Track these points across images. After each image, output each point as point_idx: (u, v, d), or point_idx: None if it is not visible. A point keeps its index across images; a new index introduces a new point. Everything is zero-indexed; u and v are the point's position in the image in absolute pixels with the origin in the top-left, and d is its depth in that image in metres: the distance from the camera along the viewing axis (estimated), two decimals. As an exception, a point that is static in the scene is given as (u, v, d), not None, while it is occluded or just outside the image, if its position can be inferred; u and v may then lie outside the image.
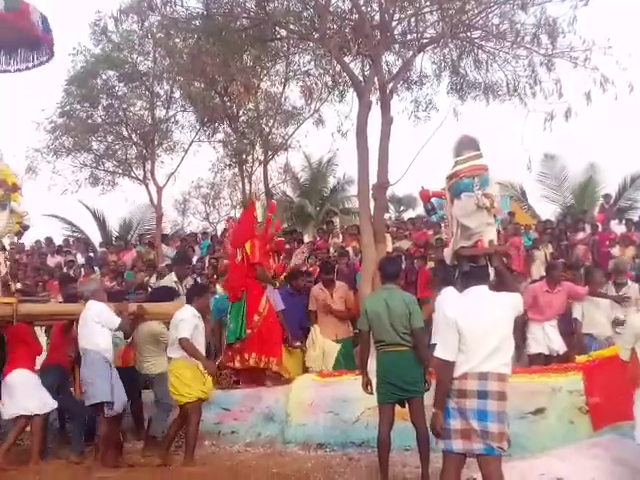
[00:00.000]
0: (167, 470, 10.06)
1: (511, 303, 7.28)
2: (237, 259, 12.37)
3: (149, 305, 11.46)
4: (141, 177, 23.58)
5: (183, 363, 10.27)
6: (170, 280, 14.02)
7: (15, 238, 17.85)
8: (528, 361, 12.92)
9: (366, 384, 9.26)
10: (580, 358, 10.71)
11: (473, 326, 6.91)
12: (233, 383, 12.47)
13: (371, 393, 9.24)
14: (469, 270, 7.98)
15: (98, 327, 10.37)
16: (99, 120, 23.17)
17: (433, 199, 11.30)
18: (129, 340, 11.55)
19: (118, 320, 10.47)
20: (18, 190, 11.73)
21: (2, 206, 11.47)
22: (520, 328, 12.64)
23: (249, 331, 11.94)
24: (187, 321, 10.25)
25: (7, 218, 11.54)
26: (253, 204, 12.98)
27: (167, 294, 12.02)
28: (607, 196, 25.78)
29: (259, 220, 12.63)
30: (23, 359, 10.76)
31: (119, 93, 22.95)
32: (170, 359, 10.48)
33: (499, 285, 8.30)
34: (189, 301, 10.66)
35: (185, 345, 10.14)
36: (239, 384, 12.51)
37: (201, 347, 10.47)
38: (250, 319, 12.00)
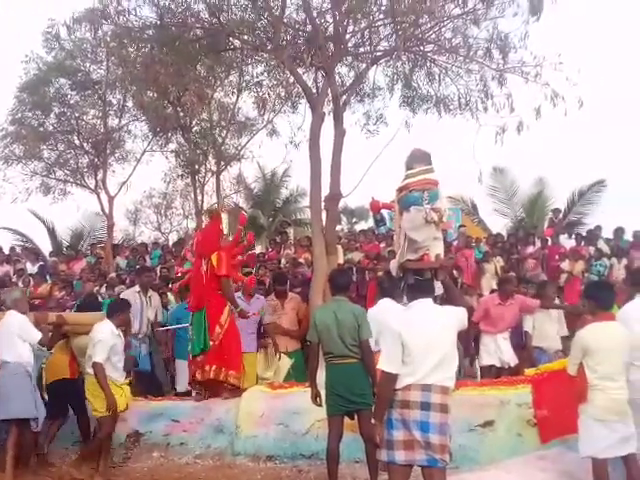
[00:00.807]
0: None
1: (455, 317, 7.34)
2: (202, 269, 12.25)
3: (69, 315, 11.46)
4: (92, 186, 23.43)
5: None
6: (134, 291, 13.95)
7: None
8: (480, 373, 13.02)
9: (315, 396, 9.30)
10: (529, 371, 10.81)
11: (417, 339, 6.96)
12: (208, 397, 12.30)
13: (320, 405, 9.27)
14: (414, 283, 8.02)
15: (20, 340, 10.27)
16: (51, 128, 22.98)
17: (383, 210, 11.33)
18: (52, 351, 11.41)
19: (39, 336, 10.35)
20: None
21: None
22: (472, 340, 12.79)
23: (211, 343, 11.83)
24: (104, 343, 10.30)
25: None
26: (219, 215, 12.85)
27: (95, 305, 11.98)
28: (556, 210, 26.10)
29: (224, 232, 12.59)
30: None
31: (71, 101, 22.80)
32: (87, 373, 10.53)
33: (447, 299, 8.37)
34: (110, 316, 10.68)
35: (97, 371, 10.23)
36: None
37: (118, 366, 10.60)
38: (212, 331, 11.87)
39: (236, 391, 11.76)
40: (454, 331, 7.24)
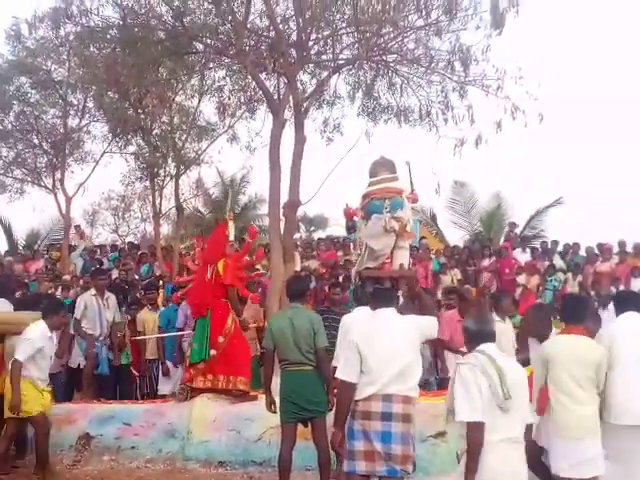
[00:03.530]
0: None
1: (418, 326, 7.31)
2: (207, 276, 12.09)
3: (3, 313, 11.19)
4: (50, 186, 23.24)
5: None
6: (90, 294, 13.76)
7: None
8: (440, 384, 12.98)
9: (270, 403, 9.27)
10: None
11: (376, 348, 6.94)
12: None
13: (275, 412, 9.25)
14: (373, 292, 8.02)
15: None
16: (10, 127, 22.78)
17: (355, 218, 11.35)
18: None
19: None
20: None
21: None
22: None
23: (213, 352, 11.63)
24: (31, 342, 10.11)
25: None
26: (226, 223, 12.74)
27: (36, 303, 11.66)
28: (512, 224, 26.27)
29: (230, 239, 12.47)
30: None
31: (31, 100, 22.61)
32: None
33: (419, 308, 8.34)
34: (44, 317, 10.48)
35: (13, 368, 10.04)
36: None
37: (44, 369, 10.43)
38: (214, 340, 11.67)
39: (244, 397, 11.57)
40: (416, 341, 7.23)
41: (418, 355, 7.26)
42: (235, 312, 11.98)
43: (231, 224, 12.67)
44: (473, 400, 6.06)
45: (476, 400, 6.05)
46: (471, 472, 6.03)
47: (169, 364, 14.17)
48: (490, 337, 6.44)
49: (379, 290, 7.99)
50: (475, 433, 6.03)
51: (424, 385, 10.98)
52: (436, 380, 12.93)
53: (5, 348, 10.97)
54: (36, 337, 10.14)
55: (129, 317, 14.75)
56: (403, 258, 8.54)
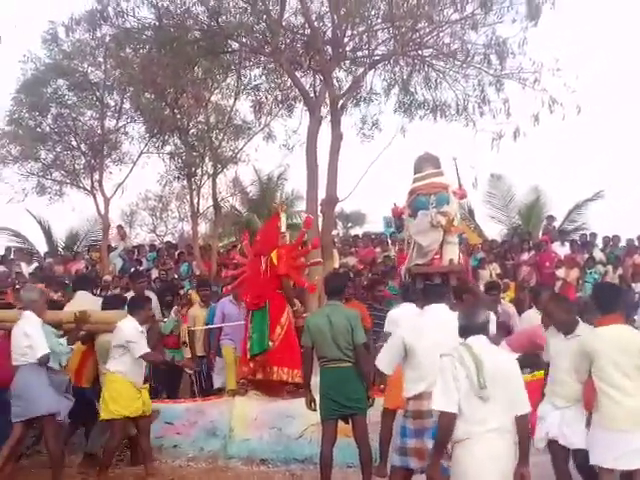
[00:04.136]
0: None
1: None
2: (261, 268, 12.08)
3: (93, 313, 11.07)
4: (89, 187, 23.34)
5: (117, 378, 10.17)
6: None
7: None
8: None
9: (310, 401, 9.24)
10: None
11: (426, 344, 6.92)
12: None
13: (314, 410, 9.22)
14: (424, 288, 8.00)
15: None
16: (48, 129, 22.85)
17: (403, 216, 11.31)
18: (74, 346, 11.15)
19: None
20: None
21: None
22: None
23: (271, 343, 11.61)
24: (137, 337, 10.14)
25: None
26: (278, 214, 12.65)
27: (118, 302, 11.71)
28: (550, 217, 26.02)
29: (282, 230, 12.44)
30: None
31: (69, 102, 22.67)
32: (106, 372, 10.36)
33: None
34: (131, 313, 10.49)
35: (148, 358, 10.28)
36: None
37: (140, 366, 10.40)
38: (273, 331, 11.67)
39: (297, 391, 11.52)
40: None
41: None
42: (289, 303, 11.96)
43: (283, 215, 12.60)
44: (449, 391, 6.21)
45: (452, 391, 6.20)
46: (437, 456, 6.32)
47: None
48: (479, 330, 6.56)
49: (429, 286, 7.97)
50: (445, 422, 6.20)
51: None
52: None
53: (97, 346, 11.11)
54: (136, 334, 10.19)
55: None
56: (452, 253, 8.50)
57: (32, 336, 9.79)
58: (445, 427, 6.18)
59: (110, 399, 10.15)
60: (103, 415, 10.25)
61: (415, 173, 8.76)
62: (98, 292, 17.28)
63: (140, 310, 10.57)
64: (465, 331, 6.61)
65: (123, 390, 10.14)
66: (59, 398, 9.97)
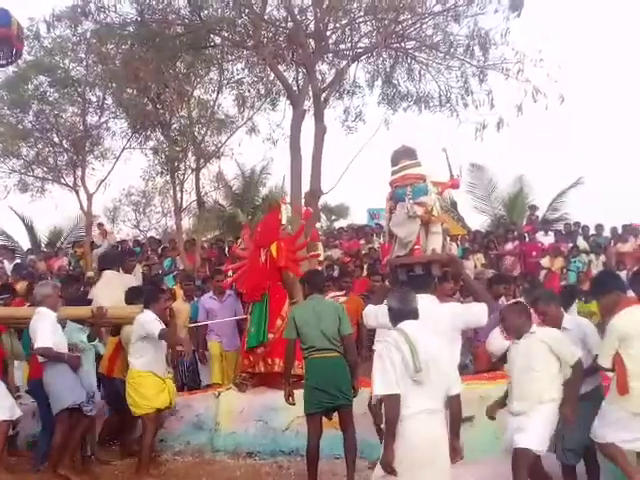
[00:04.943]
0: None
1: (455, 314, 7.32)
2: (260, 259, 12.06)
3: (110, 308, 10.97)
4: (71, 184, 23.28)
5: (141, 372, 10.12)
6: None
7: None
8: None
9: (289, 395, 9.26)
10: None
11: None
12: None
13: (293, 404, 9.27)
14: (407, 279, 8.01)
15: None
16: (29, 126, 22.78)
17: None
18: (95, 342, 11.06)
19: (44, 343, 9.77)
20: None
21: None
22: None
23: (271, 335, 11.53)
24: (154, 322, 10.07)
25: None
26: (278, 206, 12.60)
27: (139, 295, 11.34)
28: (533, 207, 26.15)
29: (283, 223, 12.39)
30: None
31: (50, 99, 22.60)
32: (131, 365, 10.29)
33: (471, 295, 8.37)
34: (146, 306, 10.35)
35: (165, 335, 10.12)
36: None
37: (161, 355, 10.38)
38: (273, 323, 11.62)
39: (299, 382, 11.44)
40: (450, 329, 7.28)
41: (453, 342, 7.27)
42: (290, 295, 11.88)
43: (284, 207, 12.57)
44: (387, 375, 6.37)
45: (390, 374, 6.36)
46: (389, 439, 6.36)
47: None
48: (411, 314, 6.74)
49: (411, 277, 7.99)
50: (390, 404, 6.36)
51: (461, 369, 11.01)
52: (471, 363, 12.82)
53: (122, 337, 11.07)
54: (149, 320, 10.10)
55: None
56: (435, 243, 8.46)
57: (36, 329, 9.87)
58: (393, 408, 6.33)
59: (137, 395, 10.13)
60: (135, 411, 10.21)
61: (392, 166, 8.79)
62: (82, 288, 17.27)
63: (155, 303, 10.48)
64: (398, 315, 6.78)
65: (148, 384, 10.11)
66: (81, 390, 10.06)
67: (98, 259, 15.38)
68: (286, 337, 9.44)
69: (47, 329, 9.86)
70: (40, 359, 10.04)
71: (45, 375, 10.05)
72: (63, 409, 9.83)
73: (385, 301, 7.28)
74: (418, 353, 6.33)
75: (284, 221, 12.31)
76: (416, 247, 8.30)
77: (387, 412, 6.39)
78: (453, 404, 6.56)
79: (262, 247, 12.00)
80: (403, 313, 6.75)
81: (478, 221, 29.91)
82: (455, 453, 6.55)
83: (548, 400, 7.57)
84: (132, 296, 11.12)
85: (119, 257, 13.26)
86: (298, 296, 11.90)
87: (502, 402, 8.19)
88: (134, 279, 12.85)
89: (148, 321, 10.09)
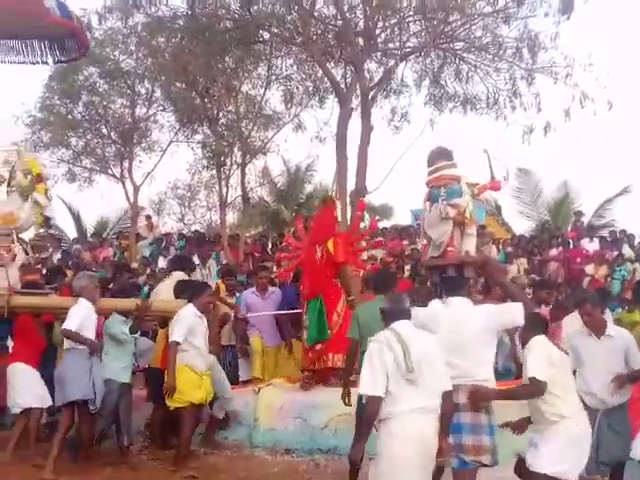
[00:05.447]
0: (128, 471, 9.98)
1: (490, 315, 7.19)
2: (317, 256, 12.04)
3: (155, 301, 11.07)
4: (118, 175, 23.46)
5: (178, 365, 10.01)
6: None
7: (40, 229, 17.44)
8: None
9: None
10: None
11: (441, 339, 6.87)
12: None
13: (349, 405, 9.04)
14: (440, 281, 7.98)
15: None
16: (79, 116, 22.98)
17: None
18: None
19: (70, 326, 9.77)
20: (43, 181, 11.64)
21: (24, 197, 11.42)
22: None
23: (329, 331, 11.36)
24: (182, 321, 10.02)
25: (29, 209, 11.45)
26: (333, 202, 12.40)
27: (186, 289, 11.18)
28: (579, 213, 25.92)
29: (338, 219, 12.35)
30: (22, 352, 10.51)
31: (100, 90, 22.80)
32: None
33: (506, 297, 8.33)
34: (190, 300, 10.29)
35: (170, 349, 10.03)
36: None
37: (202, 351, 10.24)
38: (330, 319, 11.42)
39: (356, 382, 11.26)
40: (485, 330, 7.10)
41: (487, 345, 7.18)
42: (346, 291, 11.69)
43: (338, 203, 12.48)
44: (375, 375, 6.42)
45: (378, 376, 6.40)
46: (363, 437, 6.72)
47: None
48: (403, 315, 6.80)
49: (444, 279, 7.95)
50: (372, 405, 6.43)
51: (505, 373, 10.93)
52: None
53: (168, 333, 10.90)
54: (187, 316, 10.06)
55: None
56: (470, 245, 8.43)
57: (69, 315, 9.90)
58: (373, 410, 6.40)
59: None
60: (170, 403, 10.10)
61: (428, 167, 8.76)
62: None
63: (198, 297, 10.41)
64: (390, 316, 6.81)
65: (183, 378, 9.99)
66: (89, 387, 9.97)
67: (170, 260, 15.39)
68: (350, 337, 9.12)
69: (75, 313, 9.91)
70: (66, 344, 10.11)
71: (60, 365, 10.17)
72: (69, 402, 9.88)
73: (427, 302, 7.26)
74: (410, 353, 6.35)
75: (339, 218, 12.23)
76: (450, 249, 8.26)
77: (367, 411, 6.51)
78: (445, 401, 6.53)
79: (317, 244, 11.78)
80: (396, 313, 6.79)
81: (523, 226, 29.74)
82: (441, 451, 6.48)
83: (558, 418, 7.22)
84: (179, 290, 11.16)
85: (189, 262, 13.25)
86: (354, 292, 11.91)
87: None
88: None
89: (186, 315, 10.14)
